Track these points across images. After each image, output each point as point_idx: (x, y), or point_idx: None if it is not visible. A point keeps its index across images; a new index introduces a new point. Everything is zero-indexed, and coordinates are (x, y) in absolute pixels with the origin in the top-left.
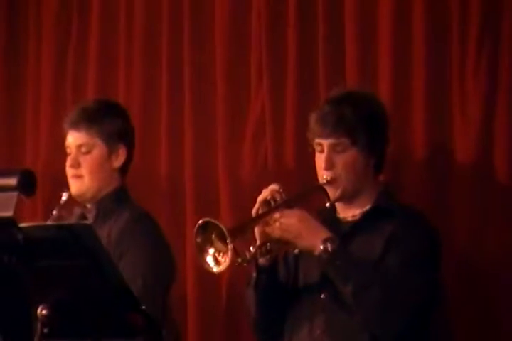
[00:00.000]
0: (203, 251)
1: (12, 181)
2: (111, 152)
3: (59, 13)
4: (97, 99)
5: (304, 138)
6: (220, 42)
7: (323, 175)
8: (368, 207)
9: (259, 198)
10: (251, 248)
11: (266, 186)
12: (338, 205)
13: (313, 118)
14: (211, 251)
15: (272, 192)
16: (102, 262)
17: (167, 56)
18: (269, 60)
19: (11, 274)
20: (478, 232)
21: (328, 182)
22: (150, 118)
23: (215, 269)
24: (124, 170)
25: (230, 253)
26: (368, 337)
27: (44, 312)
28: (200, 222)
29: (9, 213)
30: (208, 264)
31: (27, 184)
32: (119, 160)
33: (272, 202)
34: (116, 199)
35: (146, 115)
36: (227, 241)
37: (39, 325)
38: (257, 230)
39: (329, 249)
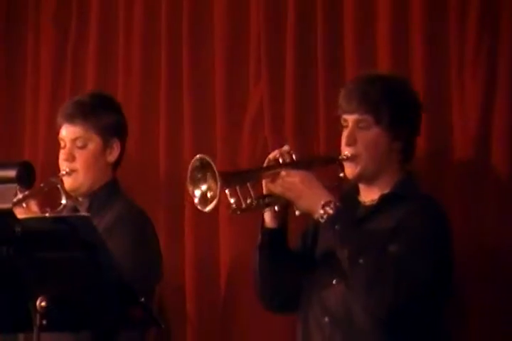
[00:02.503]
0: (195, 186)
1: (11, 173)
2: (106, 146)
3: (58, 10)
4: (91, 92)
5: (302, 128)
6: (220, 32)
7: (344, 152)
8: (385, 192)
9: (270, 155)
10: (247, 199)
11: None
12: (360, 187)
13: (341, 94)
14: (203, 188)
15: (282, 152)
16: (99, 254)
17: (166, 49)
18: (268, 51)
19: (9, 266)
20: (476, 227)
21: (349, 159)
22: (149, 111)
23: (203, 207)
24: (116, 164)
25: (218, 195)
26: (376, 331)
27: (43, 304)
28: (197, 156)
29: (8, 205)
30: (197, 199)
31: (26, 176)
32: (113, 155)
33: (281, 161)
34: (108, 193)
35: (144, 108)
36: (218, 183)
37: (38, 317)
38: (264, 184)
39: (328, 213)
